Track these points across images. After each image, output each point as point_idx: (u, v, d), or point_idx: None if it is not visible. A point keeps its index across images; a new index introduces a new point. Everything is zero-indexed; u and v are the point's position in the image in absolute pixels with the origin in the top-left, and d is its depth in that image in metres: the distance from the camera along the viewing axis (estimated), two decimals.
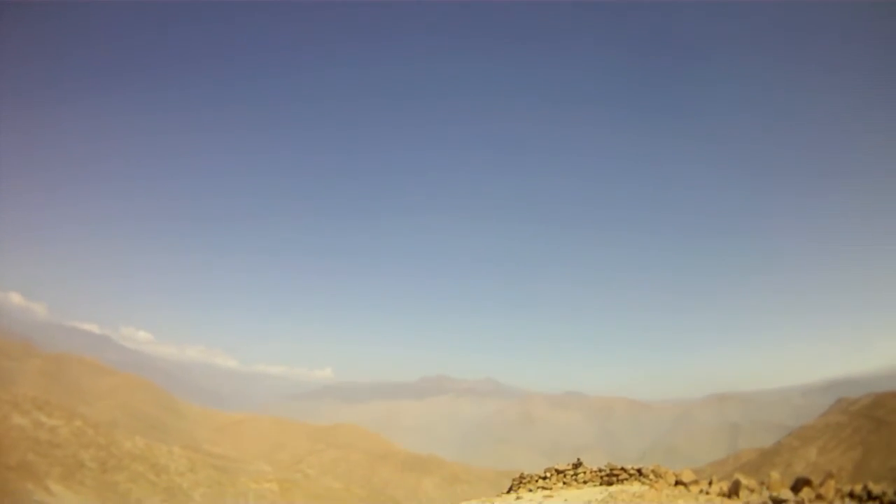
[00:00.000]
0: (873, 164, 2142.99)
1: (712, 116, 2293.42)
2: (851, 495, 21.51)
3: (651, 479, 37.33)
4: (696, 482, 32.71)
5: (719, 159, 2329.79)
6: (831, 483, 23.30)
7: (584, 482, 41.27)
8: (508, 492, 43.42)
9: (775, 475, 25.94)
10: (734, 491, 26.39)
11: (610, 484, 39.68)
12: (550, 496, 37.48)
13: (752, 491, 26.25)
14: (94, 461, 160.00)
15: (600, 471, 41.58)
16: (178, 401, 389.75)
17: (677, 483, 33.63)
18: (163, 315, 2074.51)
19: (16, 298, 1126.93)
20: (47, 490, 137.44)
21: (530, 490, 41.77)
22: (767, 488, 25.65)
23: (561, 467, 43.15)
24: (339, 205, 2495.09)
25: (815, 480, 24.14)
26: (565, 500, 34.72)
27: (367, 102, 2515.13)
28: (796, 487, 24.20)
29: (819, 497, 22.98)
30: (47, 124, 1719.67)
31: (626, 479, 39.52)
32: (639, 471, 39.51)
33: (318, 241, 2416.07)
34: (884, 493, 20.25)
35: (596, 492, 36.50)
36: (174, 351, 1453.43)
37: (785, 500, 23.13)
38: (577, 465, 42.93)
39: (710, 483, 30.86)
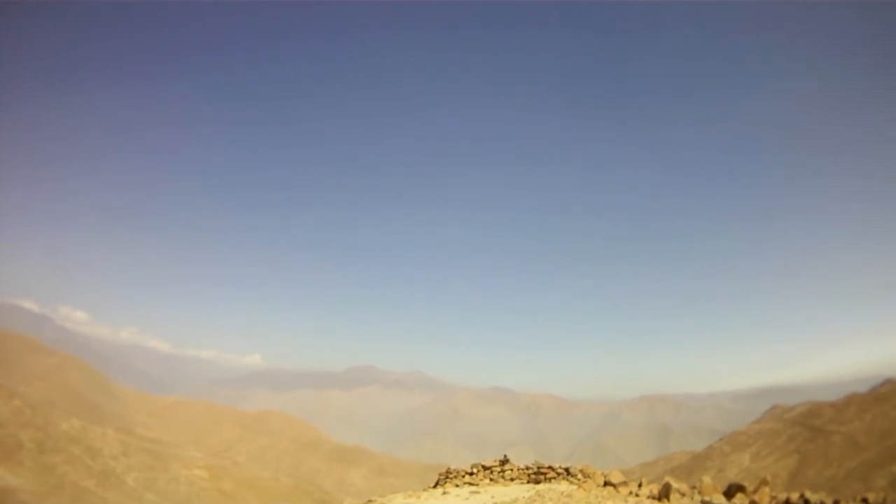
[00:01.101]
0: (822, 176, 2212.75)
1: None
2: (787, 503, 20.59)
3: (579, 479, 36.54)
4: (625, 483, 31.91)
5: (672, 162, 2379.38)
6: (766, 490, 22.40)
7: (511, 479, 40.53)
8: (435, 486, 42.38)
9: (707, 480, 25.02)
10: (665, 494, 25.41)
11: (537, 482, 38.86)
12: (477, 492, 36.47)
13: (683, 495, 25.28)
14: (32, 442, 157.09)
15: (527, 468, 40.87)
16: (111, 383, 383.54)
17: (606, 484, 32.83)
18: (99, 295, 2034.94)
19: None
20: None
21: (457, 485, 40.80)
22: (699, 493, 24.72)
23: (488, 463, 42.35)
24: (272, 196, 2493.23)
25: (749, 487, 23.26)
26: (492, 496, 33.72)
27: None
28: (729, 493, 23.30)
29: (753, 503, 22.12)
30: None
31: (554, 478, 38.74)
32: (567, 470, 38.76)
33: (251, 230, 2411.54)
34: (822, 503, 19.33)
35: (523, 489, 35.58)
36: (108, 332, 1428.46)
37: None
38: (504, 461, 42.19)
39: (640, 485, 30.00)
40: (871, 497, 18.89)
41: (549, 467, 39.79)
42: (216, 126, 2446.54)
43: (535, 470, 40.17)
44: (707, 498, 23.04)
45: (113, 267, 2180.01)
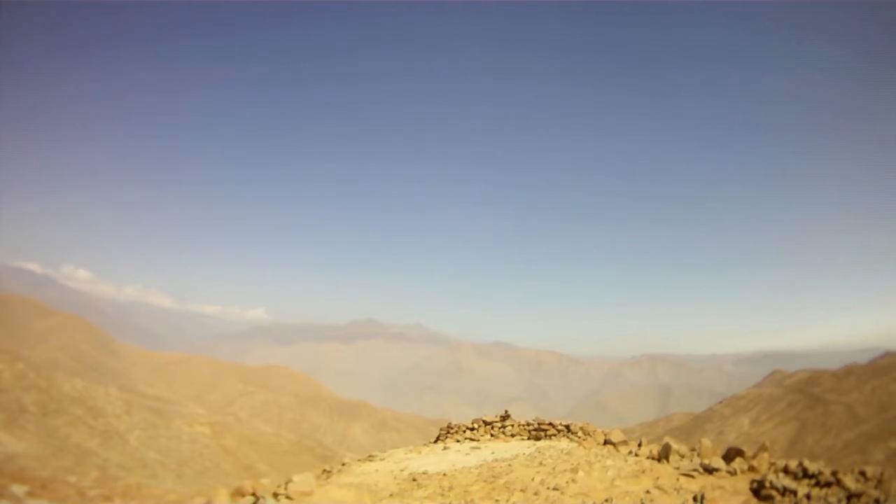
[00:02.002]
0: (830, 146, 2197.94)
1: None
2: (786, 471, 20.63)
3: (580, 437, 36.59)
4: (625, 443, 32.03)
5: (676, 123, 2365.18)
6: (765, 456, 22.45)
7: (512, 435, 40.59)
8: (436, 441, 42.47)
9: (707, 442, 25.05)
10: (664, 455, 25.50)
11: (538, 439, 38.91)
12: (478, 448, 36.53)
13: (682, 457, 25.36)
14: (35, 405, 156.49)
15: (528, 424, 40.86)
16: (114, 341, 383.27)
17: (606, 442, 32.93)
18: (102, 253, 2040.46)
19: None
20: None
21: (458, 441, 40.87)
22: (698, 455, 24.78)
23: (489, 419, 42.40)
24: (271, 150, 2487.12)
25: (748, 452, 23.31)
26: (493, 452, 33.78)
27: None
28: (728, 457, 23.35)
29: (752, 469, 22.13)
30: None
31: (555, 435, 38.76)
32: (567, 427, 38.77)
33: (253, 185, 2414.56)
34: (820, 472, 19.33)
35: (524, 446, 35.64)
36: (112, 289, 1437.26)
37: (717, 469, 22.29)
38: (505, 417, 42.20)
39: (640, 445, 30.10)
40: (868, 471, 18.89)
41: (550, 424, 39.76)
42: (214, 85, 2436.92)
43: (536, 426, 40.18)
44: (706, 461, 23.11)
45: (115, 224, 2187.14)
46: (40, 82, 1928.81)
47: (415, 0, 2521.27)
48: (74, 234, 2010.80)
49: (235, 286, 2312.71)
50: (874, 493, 17.34)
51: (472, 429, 42.16)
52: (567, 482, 22.85)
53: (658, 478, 22.51)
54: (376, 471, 29.94)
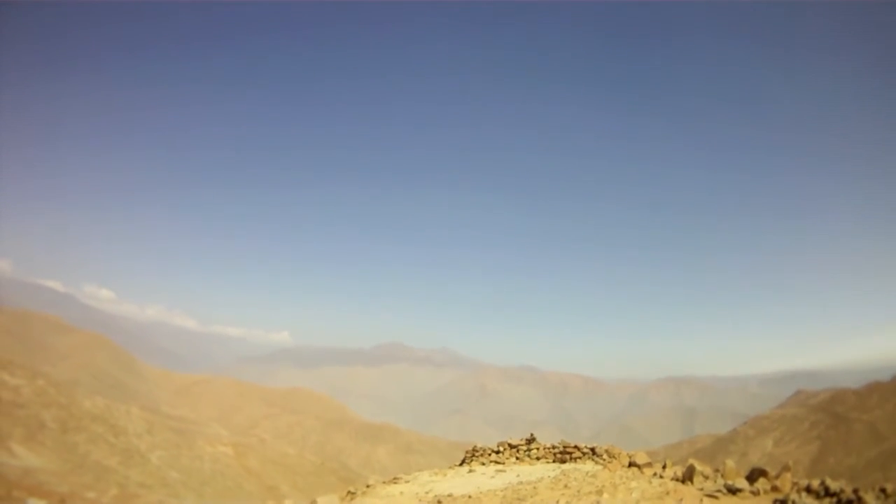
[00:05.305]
0: (851, 169, 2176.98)
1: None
2: (808, 490, 20.90)
3: (605, 460, 36.74)
4: (649, 465, 32.23)
5: (698, 145, 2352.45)
6: (787, 476, 22.73)
7: (537, 458, 40.67)
8: (461, 464, 42.68)
9: (730, 463, 25.35)
10: (688, 476, 25.82)
11: (563, 462, 39.06)
12: (503, 471, 36.81)
13: (706, 478, 25.68)
14: (55, 422, 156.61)
15: (553, 448, 40.94)
16: (137, 361, 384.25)
17: (631, 465, 33.16)
18: (125, 273, 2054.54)
19: None
20: (10, 451, 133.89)
21: (483, 464, 41.08)
22: (722, 476, 25.06)
23: (514, 442, 42.48)
24: (296, 172, 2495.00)
25: (771, 472, 23.55)
26: (518, 475, 34.04)
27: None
28: (752, 477, 23.62)
29: (775, 489, 22.40)
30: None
31: (580, 458, 38.88)
32: (592, 450, 38.89)
33: (278, 207, 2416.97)
34: (842, 491, 19.60)
35: (549, 469, 35.87)
36: (134, 310, 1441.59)
37: (740, 490, 22.57)
38: (531, 440, 42.29)
39: (665, 467, 30.38)
40: (889, 487, 19.10)
41: (575, 447, 39.84)
42: (238, 102, 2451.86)
43: (561, 449, 40.26)
44: (730, 482, 23.38)
45: (139, 244, 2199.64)
46: (64, 96, 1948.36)
47: (418, 3, 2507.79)
48: (97, 253, 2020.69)
49: (260, 309, 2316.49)
50: None
51: (498, 452, 42.31)
52: None
53: (682, 499, 22.83)
54: (401, 493, 30.33)
